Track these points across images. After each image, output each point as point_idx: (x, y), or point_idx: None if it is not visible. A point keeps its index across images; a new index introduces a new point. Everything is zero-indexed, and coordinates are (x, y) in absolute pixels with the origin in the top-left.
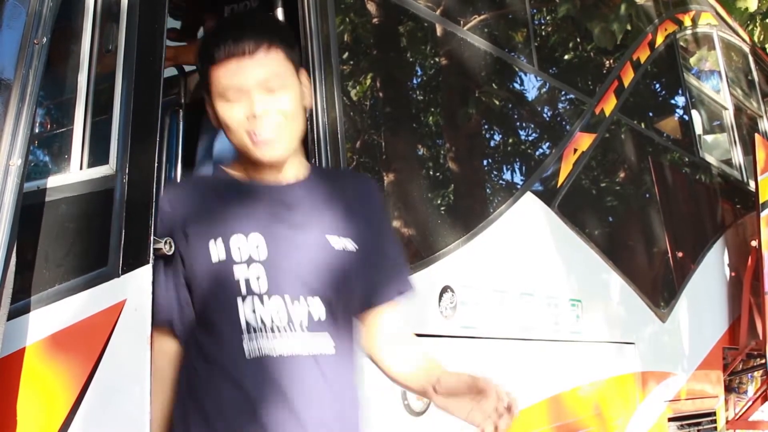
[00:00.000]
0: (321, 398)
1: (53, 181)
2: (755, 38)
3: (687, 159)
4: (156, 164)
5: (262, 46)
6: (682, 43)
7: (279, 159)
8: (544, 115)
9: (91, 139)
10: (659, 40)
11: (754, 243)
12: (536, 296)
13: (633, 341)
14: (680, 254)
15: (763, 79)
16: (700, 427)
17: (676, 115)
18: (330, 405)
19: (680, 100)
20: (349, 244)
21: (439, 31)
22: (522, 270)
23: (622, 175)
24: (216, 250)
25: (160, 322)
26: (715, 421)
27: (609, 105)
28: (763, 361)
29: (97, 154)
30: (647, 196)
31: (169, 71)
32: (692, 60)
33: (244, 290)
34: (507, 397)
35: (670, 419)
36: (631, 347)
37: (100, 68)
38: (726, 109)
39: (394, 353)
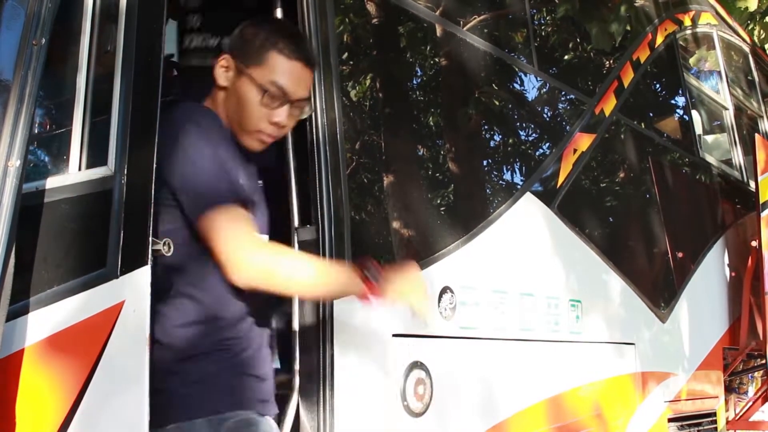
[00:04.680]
0: None
1: (52, 182)
2: (755, 38)
3: (687, 159)
4: (154, 165)
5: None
6: (681, 43)
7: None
8: (544, 116)
9: (89, 140)
10: (659, 40)
11: (754, 243)
12: (536, 297)
13: (633, 342)
14: (680, 254)
15: (763, 79)
16: (701, 428)
17: (676, 115)
18: None
19: (680, 100)
20: None
21: (438, 31)
22: (522, 271)
23: (621, 175)
24: None
25: None
26: (715, 422)
27: (609, 105)
28: (763, 361)
29: (96, 156)
30: (647, 196)
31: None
32: (692, 60)
33: None
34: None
35: (670, 420)
36: (631, 348)
37: (98, 69)
38: (726, 109)
39: None
